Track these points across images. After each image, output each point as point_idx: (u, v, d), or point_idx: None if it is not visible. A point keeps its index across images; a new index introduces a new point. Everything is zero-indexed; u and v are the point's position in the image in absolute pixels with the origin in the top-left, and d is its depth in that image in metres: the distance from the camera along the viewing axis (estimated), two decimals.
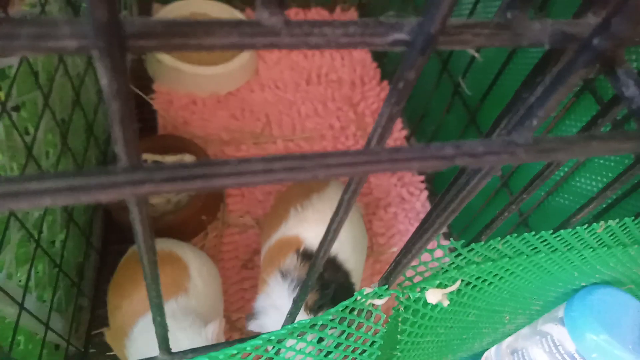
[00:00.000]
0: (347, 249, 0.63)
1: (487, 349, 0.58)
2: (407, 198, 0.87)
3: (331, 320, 0.30)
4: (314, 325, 0.30)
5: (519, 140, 0.17)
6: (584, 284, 0.46)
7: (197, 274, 0.61)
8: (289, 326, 0.29)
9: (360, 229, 0.68)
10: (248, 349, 0.29)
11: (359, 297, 0.30)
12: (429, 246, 0.28)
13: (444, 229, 0.84)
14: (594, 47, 0.16)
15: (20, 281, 0.52)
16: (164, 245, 0.63)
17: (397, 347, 0.37)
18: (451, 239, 0.29)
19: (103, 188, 0.14)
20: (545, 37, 0.19)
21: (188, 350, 0.30)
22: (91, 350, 0.67)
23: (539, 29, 0.18)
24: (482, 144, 0.16)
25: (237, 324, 0.69)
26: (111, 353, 0.67)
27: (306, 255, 0.59)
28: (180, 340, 0.53)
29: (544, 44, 0.19)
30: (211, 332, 0.54)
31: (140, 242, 0.21)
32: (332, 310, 0.30)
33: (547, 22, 0.18)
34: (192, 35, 0.15)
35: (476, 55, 0.71)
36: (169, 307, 0.57)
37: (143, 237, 0.20)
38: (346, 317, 0.31)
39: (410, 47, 0.16)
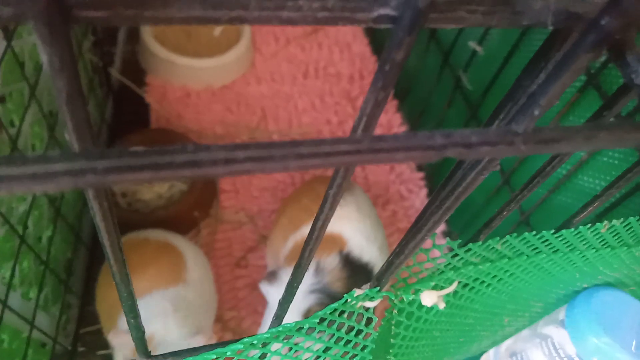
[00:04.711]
0: (374, 251, 0.61)
1: (485, 352, 0.57)
2: (406, 195, 0.85)
3: (319, 323, 0.29)
4: (301, 328, 0.28)
5: (518, 129, 0.15)
6: (585, 285, 0.44)
7: (193, 264, 0.60)
8: (274, 329, 0.28)
9: (377, 222, 0.66)
10: (229, 353, 0.27)
11: (349, 299, 0.28)
12: (424, 245, 0.26)
13: (442, 227, 0.83)
14: (602, 27, 0.15)
15: (4, 278, 0.50)
16: (157, 235, 0.62)
17: (391, 351, 0.36)
18: (448, 238, 0.28)
19: (37, 178, 0.12)
20: (547, 15, 0.17)
21: (168, 353, 0.29)
22: (81, 349, 0.66)
23: (541, 7, 0.17)
24: (476, 134, 0.14)
25: (229, 324, 0.67)
26: (101, 352, 0.66)
27: (348, 262, 0.57)
28: (170, 344, 0.52)
29: (546, 23, 0.17)
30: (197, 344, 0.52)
31: (104, 239, 0.19)
32: (320, 312, 0.28)
33: None
34: (147, 6, 0.13)
35: (478, 48, 0.69)
36: (168, 295, 0.55)
37: (106, 233, 0.19)
38: (335, 320, 0.29)
39: (397, 23, 0.14)
